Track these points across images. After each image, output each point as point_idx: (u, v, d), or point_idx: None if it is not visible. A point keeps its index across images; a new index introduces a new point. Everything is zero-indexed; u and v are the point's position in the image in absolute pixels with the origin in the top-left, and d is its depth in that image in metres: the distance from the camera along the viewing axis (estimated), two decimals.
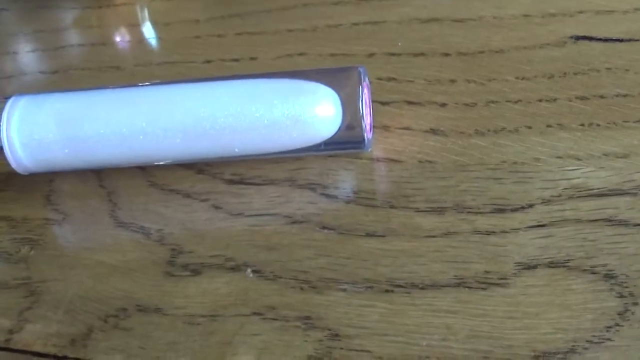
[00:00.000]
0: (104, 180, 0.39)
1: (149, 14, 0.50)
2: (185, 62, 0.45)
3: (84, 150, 0.36)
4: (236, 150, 0.36)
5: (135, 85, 0.38)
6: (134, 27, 0.50)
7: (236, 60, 0.44)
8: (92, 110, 0.36)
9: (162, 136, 0.35)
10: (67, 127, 0.36)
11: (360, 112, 0.35)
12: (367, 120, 0.36)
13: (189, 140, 0.36)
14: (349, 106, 0.35)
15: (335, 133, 0.35)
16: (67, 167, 0.38)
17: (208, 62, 0.45)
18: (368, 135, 0.36)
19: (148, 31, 0.49)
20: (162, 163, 0.38)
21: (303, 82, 0.36)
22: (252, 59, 0.44)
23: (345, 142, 0.36)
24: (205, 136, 0.35)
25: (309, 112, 0.35)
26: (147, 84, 0.38)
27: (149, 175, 0.39)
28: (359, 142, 0.36)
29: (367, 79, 0.36)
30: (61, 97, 0.37)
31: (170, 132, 0.35)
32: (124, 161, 0.37)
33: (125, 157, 0.37)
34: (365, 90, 0.36)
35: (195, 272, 0.35)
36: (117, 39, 0.49)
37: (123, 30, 0.49)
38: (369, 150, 0.37)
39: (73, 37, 0.50)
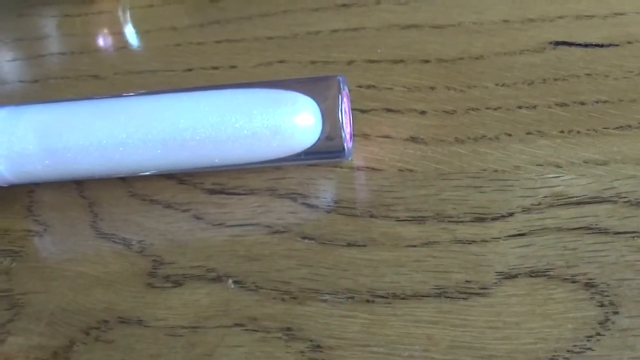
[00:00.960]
0: (84, 191, 0.39)
1: (129, 22, 0.50)
2: (165, 70, 0.45)
3: (64, 162, 0.36)
4: (216, 160, 0.36)
5: (115, 95, 0.38)
6: (114, 34, 0.49)
7: (216, 68, 0.44)
8: (72, 122, 0.36)
9: (142, 147, 0.35)
10: (47, 138, 0.36)
11: (339, 122, 0.35)
12: (346, 129, 0.36)
13: (169, 151, 0.35)
14: (329, 115, 0.35)
15: (315, 143, 0.35)
16: (47, 179, 0.37)
17: (188, 70, 0.44)
18: (348, 144, 0.36)
19: (128, 39, 0.49)
20: (142, 174, 0.38)
21: (282, 92, 0.35)
22: (232, 67, 0.44)
23: (325, 152, 0.36)
24: (185, 147, 0.35)
25: (289, 122, 0.35)
26: (127, 94, 0.38)
27: (129, 185, 0.39)
28: (339, 152, 0.36)
29: (346, 88, 0.36)
30: (41, 109, 0.37)
31: (150, 143, 0.35)
32: (104, 172, 0.37)
33: (106, 169, 0.37)
34: (345, 99, 0.36)
35: (177, 284, 0.35)
36: (97, 47, 0.48)
37: (103, 38, 0.49)
38: (349, 159, 0.37)
39: (53, 45, 0.49)
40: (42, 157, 0.36)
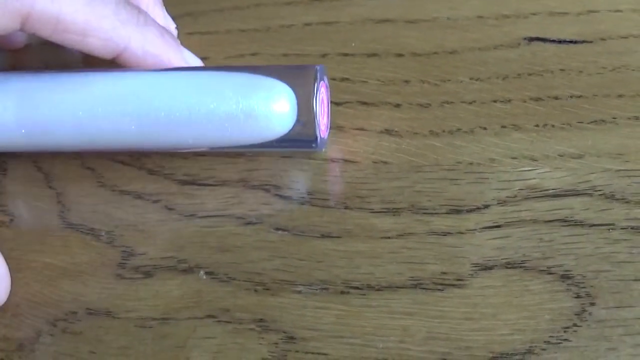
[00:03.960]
0: (52, 181, 0.38)
1: None
2: None
3: (40, 132, 0.36)
4: (190, 141, 0.35)
5: (95, 70, 0.38)
6: None
7: None
8: (51, 93, 0.36)
9: (117, 122, 0.35)
10: (25, 107, 0.36)
11: (314, 111, 0.34)
12: (322, 120, 0.35)
13: (143, 128, 0.35)
14: (304, 104, 0.35)
15: (289, 130, 0.35)
16: (23, 148, 0.37)
17: None
18: (322, 134, 0.36)
19: None
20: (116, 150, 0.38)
21: (260, 77, 0.35)
22: (204, 58, 0.43)
23: (298, 140, 0.36)
24: (160, 124, 0.35)
25: (264, 107, 0.34)
26: (107, 69, 0.37)
27: (99, 176, 0.38)
28: (312, 141, 0.35)
29: (325, 78, 0.36)
30: (21, 77, 0.37)
31: (126, 119, 0.35)
32: (79, 145, 0.37)
33: (80, 141, 0.36)
34: (323, 89, 0.36)
35: (147, 275, 0.34)
36: None
37: None
38: (323, 150, 0.37)
39: None
40: (20, 125, 0.36)
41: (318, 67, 0.35)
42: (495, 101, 0.38)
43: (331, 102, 0.39)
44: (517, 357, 0.29)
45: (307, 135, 0.35)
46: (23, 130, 0.36)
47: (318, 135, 0.35)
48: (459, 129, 0.37)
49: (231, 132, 0.35)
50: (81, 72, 0.37)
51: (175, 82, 0.36)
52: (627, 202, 0.33)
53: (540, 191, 0.34)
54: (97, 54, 0.36)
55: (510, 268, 0.32)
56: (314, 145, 0.36)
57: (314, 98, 0.34)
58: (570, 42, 0.41)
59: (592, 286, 0.31)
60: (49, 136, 0.36)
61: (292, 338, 0.31)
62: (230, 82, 0.35)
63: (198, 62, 0.40)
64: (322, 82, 0.35)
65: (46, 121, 0.36)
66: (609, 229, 0.33)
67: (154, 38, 0.37)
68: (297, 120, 0.35)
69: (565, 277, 0.31)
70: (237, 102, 0.34)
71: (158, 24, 0.38)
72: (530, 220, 0.33)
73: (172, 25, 0.42)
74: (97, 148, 0.38)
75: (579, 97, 0.38)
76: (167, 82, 0.36)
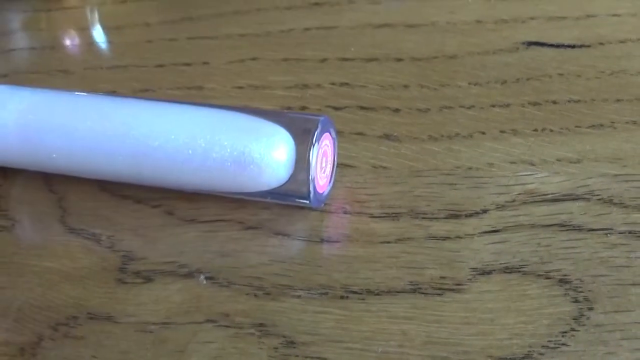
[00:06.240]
0: (53, 185, 0.38)
1: (99, 17, 0.49)
2: (136, 65, 0.44)
3: (36, 155, 0.36)
4: (175, 180, 0.35)
5: (100, 95, 0.37)
6: (84, 30, 0.49)
7: (188, 64, 0.44)
8: (54, 117, 0.36)
9: (111, 154, 0.35)
10: (27, 130, 0.36)
11: (310, 167, 0.33)
12: (321, 175, 0.34)
13: (126, 155, 0.35)
14: (302, 157, 0.33)
15: (283, 184, 0.34)
16: (23, 165, 0.38)
17: (160, 66, 0.44)
18: (319, 191, 0.34)
19: (98, 34, 0.48)
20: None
21: (260, 122, 0.34)
22: (205, 63, 0.43)
23: (290, 195, 0.34)
24: (147, 161, 0.34)
25: (259, 157, 0.33)
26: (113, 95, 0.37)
27: (99, 180, 0.38)
28: (305, 197, 0.34)
29: (331, 130, 0.35)
30: (27, 93, 0.37)
31: (118, 144, 0.35)
32: (70, 169, 0.37)
33: (73, 165, 0.36)
34: (327, 142, 0.34)
35: (148, 279, 0.34)
36: (67, 42, 0.48)
37: (73, 33, 0.49)
38: (321, 205, 0.36)
39: (22, 40, 0.49)
40: (20, 143, 0.36)
41: (322, 118, 0.34)
42: (494, 106, 0.38)
43: (330, 106, 0.39)
44: None
45: (300, 192, 0.34)
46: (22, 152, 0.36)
47: (310, 193, 0.34)
48: (457, 134, 0.37)
49: (219, 178, 0.34)
50: (87, 95, 0.37)
51: (171, 118, 0.35)
52: (625, 207, 0.34)
53: (539, 196, 0.34)
54: None
55: (508, 273, 0.32)
56: (307, 201, 0.34)
57: (310, 152, 0.33)
58: (569, 46, 0.41)
59: (590, 291, 0.31)
60: (45, 162, 0.36)
61: (292, 342, 0.31)
62: (227, 124, 0.34)
63: None
64: (326, 133, 0.34)
65: (46, 149, 0.36)
66: (607, 234, 0.33)
67: None
68: (293, 174, 0.33)
69: (563, 281, 0.31)
70: (231, 148, 0.33)
71: None
72: (529, 224, 0.33)
73: None
74: (86, 174, 0.37)
75: (577, 101, 0.38)
76: (164, 119, 0.35)
